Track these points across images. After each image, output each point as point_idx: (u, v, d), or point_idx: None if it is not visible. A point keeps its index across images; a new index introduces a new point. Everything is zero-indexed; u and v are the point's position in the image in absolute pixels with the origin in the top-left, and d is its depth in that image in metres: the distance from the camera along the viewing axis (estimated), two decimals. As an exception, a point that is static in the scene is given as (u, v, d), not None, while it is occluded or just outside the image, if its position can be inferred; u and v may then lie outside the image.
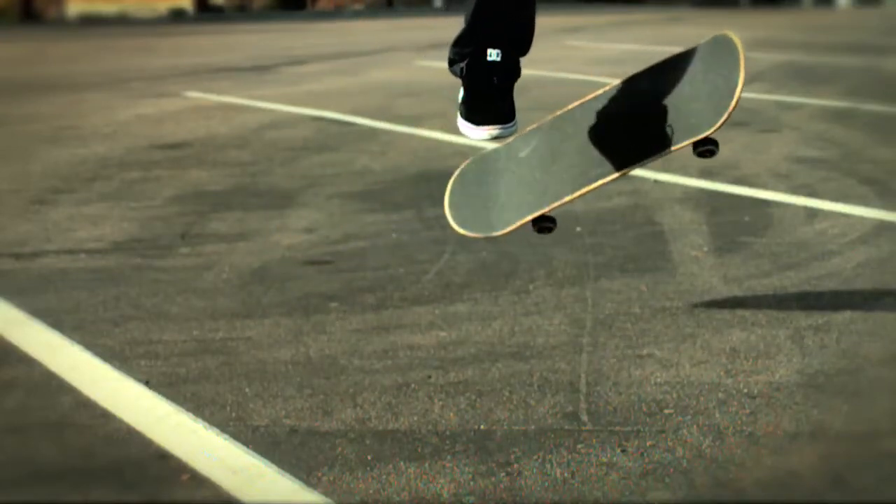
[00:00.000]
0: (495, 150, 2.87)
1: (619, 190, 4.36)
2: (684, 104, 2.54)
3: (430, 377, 2.41)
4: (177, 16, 24.14)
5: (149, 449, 2.06)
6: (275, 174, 4.94)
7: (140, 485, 1.92)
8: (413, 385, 2.36)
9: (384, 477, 1.93)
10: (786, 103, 7.38)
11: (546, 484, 1.89)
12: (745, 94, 2.80)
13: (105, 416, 2.21)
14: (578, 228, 3.75)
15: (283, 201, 4.32)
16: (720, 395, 2.28)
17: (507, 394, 2.31)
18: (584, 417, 2.18)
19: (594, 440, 2.06)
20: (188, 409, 2.24)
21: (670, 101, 2.58)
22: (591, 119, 2.71)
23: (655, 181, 4.58)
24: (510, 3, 2.45)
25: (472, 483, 1.90)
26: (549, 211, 2.62)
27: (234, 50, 13.50)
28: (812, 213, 3.98)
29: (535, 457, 1.99)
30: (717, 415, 2.18)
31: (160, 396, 2.31)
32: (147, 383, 2.39)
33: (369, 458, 2.00)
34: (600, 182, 2.57)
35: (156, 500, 1.87)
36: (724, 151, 2.99)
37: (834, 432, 2.11)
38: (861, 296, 3.00)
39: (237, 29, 19.12)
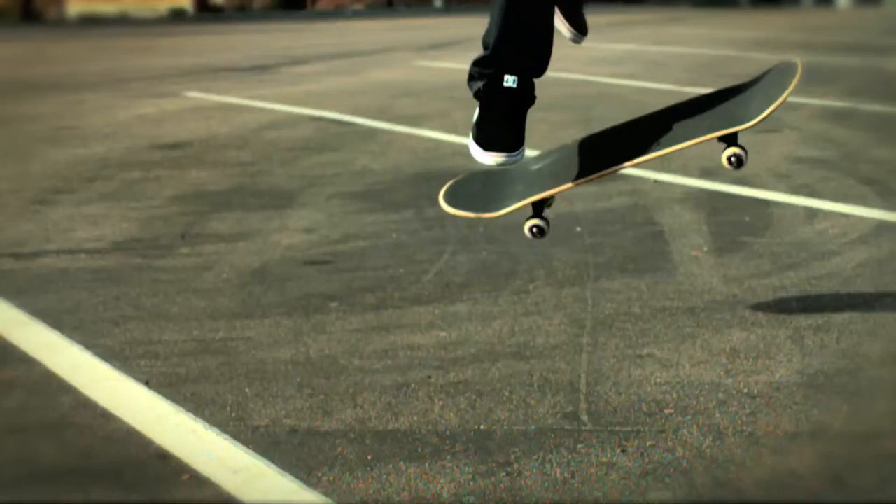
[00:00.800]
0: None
1: (619, 190, 4.36)
2: (727, 104, 2.60)
3: (430, 377, 2.41)
4: (177, 16, 24.13)
5: (149, 449, 2.06)
6: (275, 174, 4.94)
7: (140, 485, 1.92)
8: (413, 385, 2.36)
9: (384, 477, 1.93)
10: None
11: (546, 484, 1.89)
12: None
13: (105, 416, 2.21)
14: (578, 228, 3.75)
15: (283, 201, 4.32)
16: (720, 395, 2.28)
17: (507, 394, 2.31)
18: (584, 417, 2.18)
19: (594, 440, 2.06)
20: (188, 409, 2.24)
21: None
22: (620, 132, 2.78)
23: (655, 181, 4.58)
24: (535, 37, 2.48)
25: (472, 483, 1.90)
26: (548, 196, 2.61)
27: (234, 50, 13.49)
28: (812, 213, 3.97)
29: (535, 457, 1.99)
30: (717, 415, 2.18)
31: (160, 396, 2.31)
32: (147, 383, 2.39)
33: (369, 458, 2.01)
34: (607, 171, 2.58)
35: (156, 500, 1.87)
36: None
37: (834, 432, 2.11)
38: (861, 296, 2.99)
39: (237, 29, 19.12)
